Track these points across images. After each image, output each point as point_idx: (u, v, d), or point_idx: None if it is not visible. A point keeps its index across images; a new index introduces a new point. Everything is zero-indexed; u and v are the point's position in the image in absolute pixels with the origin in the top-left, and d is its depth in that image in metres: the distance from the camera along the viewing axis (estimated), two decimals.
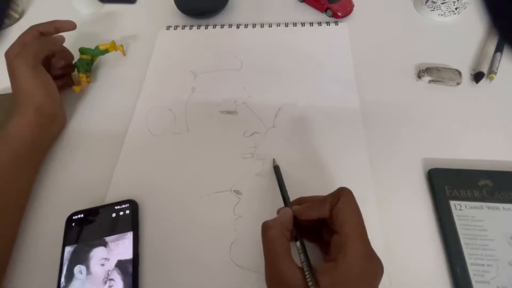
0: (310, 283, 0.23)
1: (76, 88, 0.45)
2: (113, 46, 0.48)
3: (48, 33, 0.43)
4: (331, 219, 0.27)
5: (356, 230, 0.25)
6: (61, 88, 0.43)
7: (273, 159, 0.38)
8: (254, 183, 0.37)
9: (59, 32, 0.44)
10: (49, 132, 0.41)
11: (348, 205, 0.26)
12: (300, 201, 0.31)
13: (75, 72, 0.46)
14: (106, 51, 0.47)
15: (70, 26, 0.44)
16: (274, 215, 0.35)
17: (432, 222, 0.33)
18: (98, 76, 0.49)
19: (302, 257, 0.26)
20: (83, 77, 0.46)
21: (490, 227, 0.32)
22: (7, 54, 0.39)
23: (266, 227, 0.27)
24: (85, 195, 0.37)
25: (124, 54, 0.50)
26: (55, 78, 0.42)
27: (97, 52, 0.47)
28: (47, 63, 0.41)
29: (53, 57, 0.43)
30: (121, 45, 0.49)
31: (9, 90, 0.46)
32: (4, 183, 0.34)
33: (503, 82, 0.42)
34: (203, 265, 0.32)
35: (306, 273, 0.24)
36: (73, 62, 0.46)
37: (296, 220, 0.29)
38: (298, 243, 0.28)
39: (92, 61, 0.47)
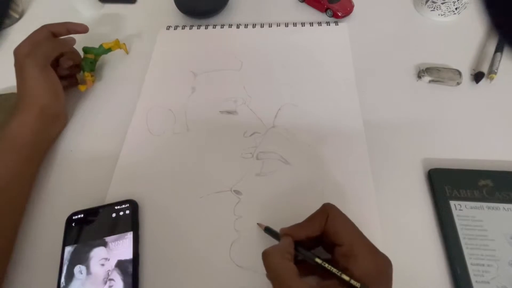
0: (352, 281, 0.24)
1: (82, 87, 0.45)
2: (116, 45, 0.48)
3: (59, 34, 0.43)
4: (327, 235, 0.27)
5: (357, 236, 0.26)
6: (66, 88, 0.43)
7: (257, 223, 0.33)
8: (254, 183, 0.37)
9: (70, 34, 0.44)
10: (50, 132, 0.41)
11: (338, 216, 0.27)
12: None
13: (80, 72, 0.47)
14: (109, 49, 0.48)
15: (82, 28, 0.44)
16: (275, 215, 0.35)
17: (432, 222, 0.33)
18: (99, 76, 0.49)
19: (326, 265, 0.26)
20: (88, 76, 0.46)
21: (490, 227, 0.32)
22: (17, 52, 0.39)
23: (265, 255, 0.27)
24: (85, 195, 0.37)
25: (127, 53, 0.51)
26: (61, 78, 0.42)
27: (101, 51, 0.47)
28: (54, 62, 0.41)
29: (62, 57, 0.43)
30: (124, 44, 0.49)
31: (9, 90, 0.46)
32: (6, 182, 0.34)
33: (503, 82, 0.42)
34: (203, 265, 0.32)
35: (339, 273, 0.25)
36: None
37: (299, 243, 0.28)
38: (317, 259, 0.27)
39: (95, 60, 0.48)
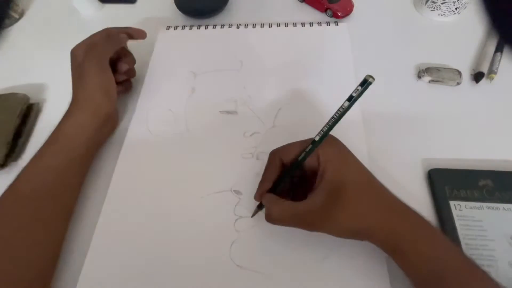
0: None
1: None
2: None
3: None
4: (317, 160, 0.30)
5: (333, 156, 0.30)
6: (121, 93, 0.42)
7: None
8: (254, 183, 0.37)
9: (129, 39, 0.43)
10: (102, 133, 0.40)
11: (331, 143, 0.31)
12: None
13: (135, 75, 0.46)
14: None
15: (140, 35, 0.44)
16: None
17: (432, 222, 0.33)
18: None
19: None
20: None
21: (490, 228, 0.32)
22: (75, 53, 0.38)
23: (272, 220, 0.30)
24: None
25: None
26: (117, 83, 0.40)
27: None
28: (112, 67, 0.40)
29: (119, 62, 0.42)
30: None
31: (9, 90, 0.46)
32: (57, 185, 0.33)
33: (503, 82, 0.42)
34: (203, 265, 0.32)
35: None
36: None
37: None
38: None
39: None
